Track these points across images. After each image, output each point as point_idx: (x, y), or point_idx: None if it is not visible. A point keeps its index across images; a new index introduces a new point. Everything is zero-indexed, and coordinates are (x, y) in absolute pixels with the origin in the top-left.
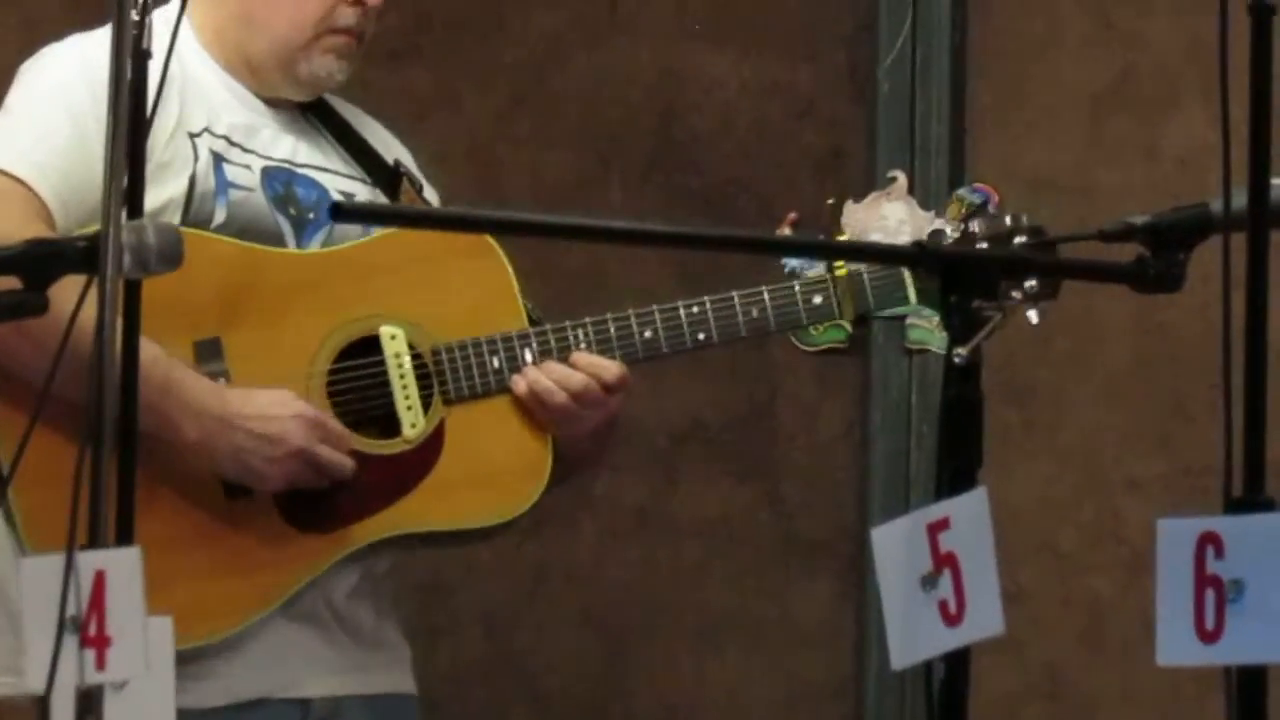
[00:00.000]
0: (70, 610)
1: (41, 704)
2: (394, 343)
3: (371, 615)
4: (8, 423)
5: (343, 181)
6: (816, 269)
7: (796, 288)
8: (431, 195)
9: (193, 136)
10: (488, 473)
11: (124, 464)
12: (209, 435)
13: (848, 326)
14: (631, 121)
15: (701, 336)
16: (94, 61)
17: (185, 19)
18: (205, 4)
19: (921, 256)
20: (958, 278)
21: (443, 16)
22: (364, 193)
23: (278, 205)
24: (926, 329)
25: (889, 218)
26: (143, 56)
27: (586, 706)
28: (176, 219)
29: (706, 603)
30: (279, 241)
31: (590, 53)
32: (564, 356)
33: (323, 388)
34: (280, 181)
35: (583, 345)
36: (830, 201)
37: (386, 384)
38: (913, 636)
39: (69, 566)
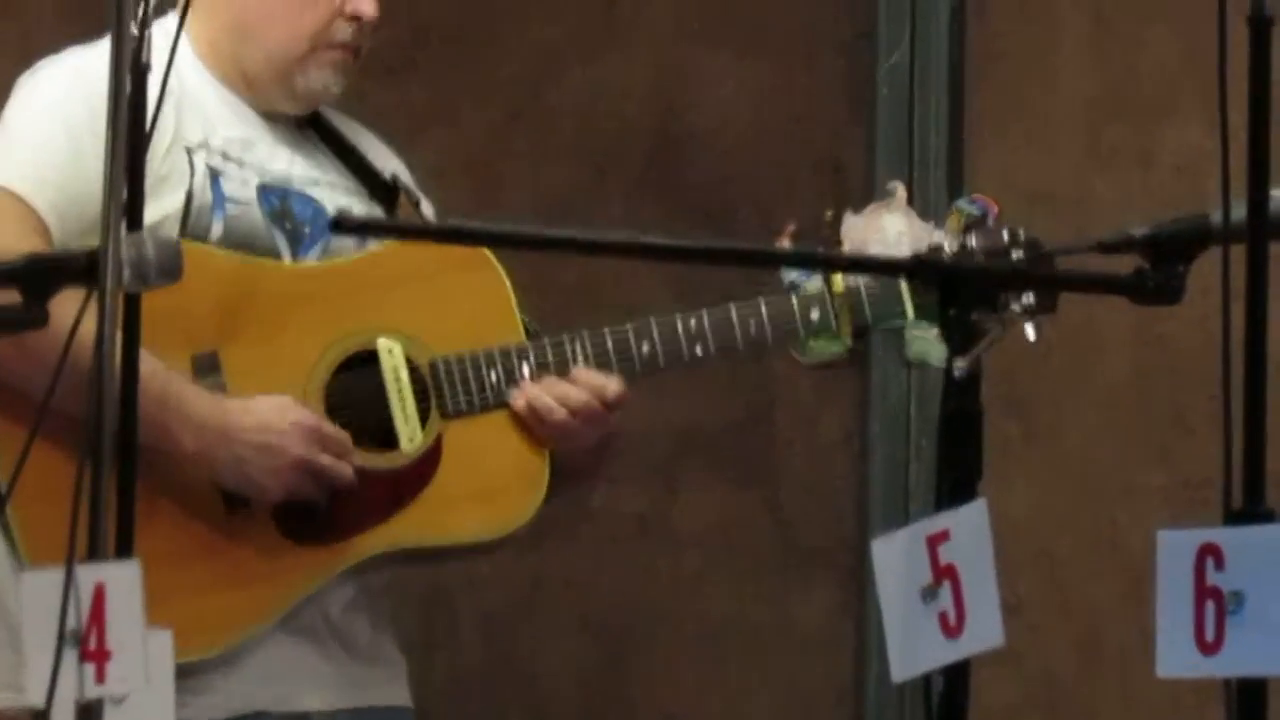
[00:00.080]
0: (70, 624)
1: (41, 718)
2: (392, 356)
3: (368, 629)
4: (5, 436)
5: (340, 195)
6: (815, 282)
7: (794, 301)
8: (428, 209)
9: (189, 151)
10: (485, 487)
11: (124, 477)
12: (208, 446)
13: (847, 340)
14: (628, 134)
15: (699, 350)
16: (90, 75)
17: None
18: (202, 17)
19: (921, 269)
20: (956, 291)
21: (439, 31)
22: (361, 207)
23: (274, 220)
24: (926, 341)
25: (888, 229)
26: (142, 70)
27: (586, 716)
28: (174, 234)
29: (706, 612)
30: (275, 256)
31: (586, 65)
32: (561, 370)
33: (320, 401)
34: (276, 197)
35: (580, 359)
36: (829, 216)
37: (384, 398)
38: (912, 648)
39: (69, 580)
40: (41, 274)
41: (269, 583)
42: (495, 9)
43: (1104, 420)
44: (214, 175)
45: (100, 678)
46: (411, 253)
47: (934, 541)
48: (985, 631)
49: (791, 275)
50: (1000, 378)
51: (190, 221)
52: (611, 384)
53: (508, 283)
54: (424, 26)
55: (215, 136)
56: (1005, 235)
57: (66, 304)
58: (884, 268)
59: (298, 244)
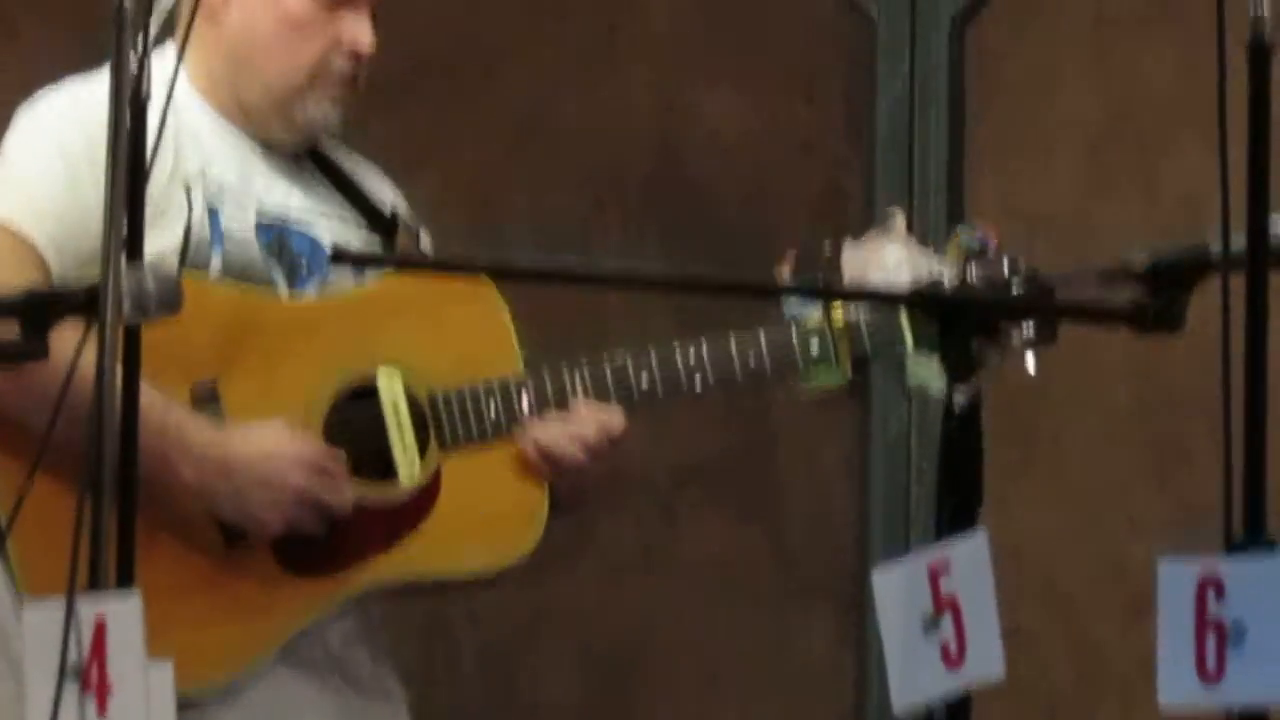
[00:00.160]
0: (71, 657)
1: None
2: (391, 388)
3: (368, 661)
4: (3, 469)
5: (338, 228)
6: (815, 314)
7: (793, 333)
8: (427, 241)
9: (187, 184)
10: (484, 519)
11: (124, 510)
12: (207, 478)
13: (846, 372)
14: (629, 163)
15: (698, 381)
16: (89, 107)
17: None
18: (200, 50)
19: (921, 300)
20: (956, 321)
21: (440, 60)
22: (359, 239)
23: (271, 254)
24: (926, 370)
25: (887, 256)
26: (142, 101)
27: None
28: (173, 267)
29: (707, 643)
30: (272, 290)
31: (587, 94)
32: (560, 401)
33: (319, 433)
34: (273, 231)
35: (579, 390)
36: (827, 247)
37: (383, 430)
38: (913, 679)
39: (69, 612)
40: (41, 307)
41: (268, 615)
42: (495, 40)
43: (1105, 449)
44: (212, 209)
45: (101, 710)
46: (411, 285)
47: (935, 572)
48: (986, 662)
49: (792, 305)
50: (1001, 406)
51: (189, 255)
52: (615, 418)
53: (507, 314)
54: (423, 57)
55: (213, 170)
56: (1005, 266)
57: (65, 337)
58: (884, 298)
59: (295, 278)
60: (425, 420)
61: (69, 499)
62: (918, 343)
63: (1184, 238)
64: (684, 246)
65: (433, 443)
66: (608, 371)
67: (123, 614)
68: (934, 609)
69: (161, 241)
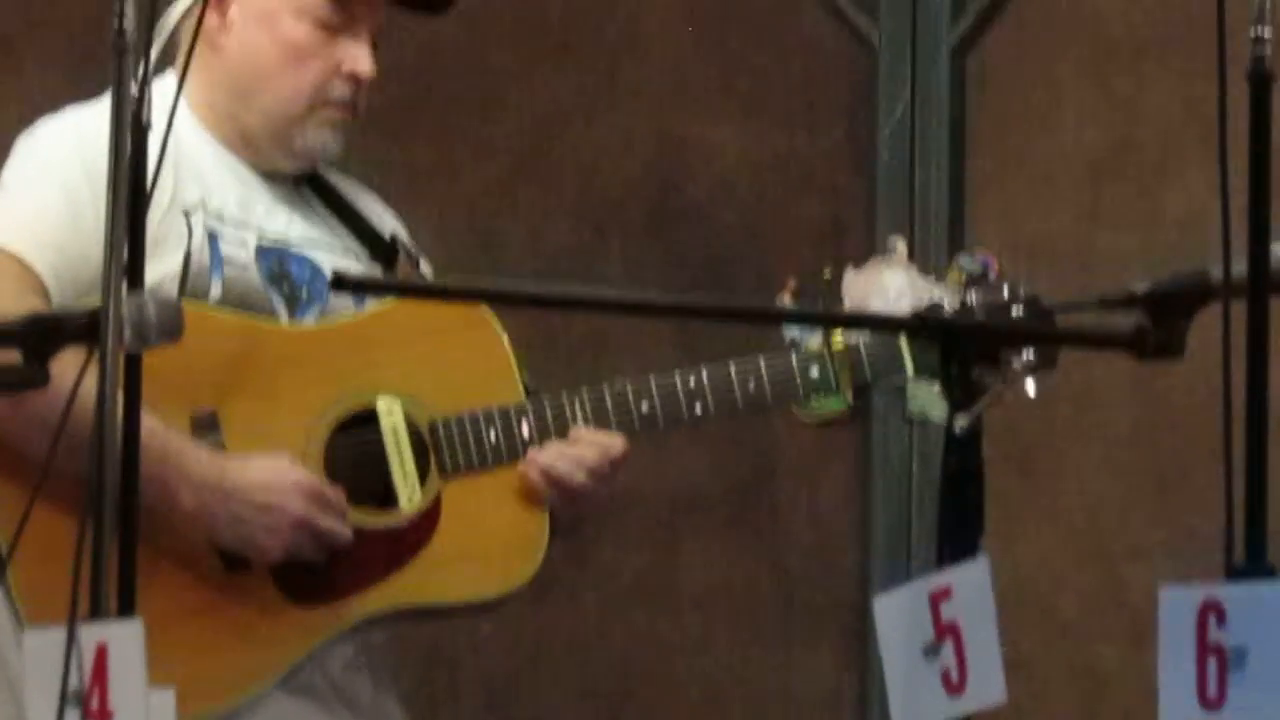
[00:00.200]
0: (72, 684)
1: None
2: (391, 416)
3: (369, 687)
4: (4, 497)
5: (337, 256)
6: (816, 338)
7: (793, 360)
8: (427, 269)
9: (187, 212)
10: (484, 546)
11: (125, 537)
12: (207, 505)
13: (848, 398)
14: (630, 191)
15: (698, 409)
16: (89, 135)
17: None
18: (199, 78)
19: (922, 326)
20: (958, 348)
21: (442, 88)
22: (359, 267)
23: (271, 282)
24: (927, 398)
25: (888, 285)
26: (142, 128)
27: None
28: (173, 295)
29: (708, 672)
30: (272, 318)
31: (589, 123)
32: (560, 428)
33: (320, 460)
34: (274, 258)
35: (579, 418)
36: (827, 277)
37: (383, 457)
38: (915, 706)
39: (71, 639)
40: (42, 334)
41: (269, 642)
42: (496, 67)
43: (1106, 475)
44: (212, 236)
45: None
46: (411, 312)
47: (936, 599)
48: (988, 688)
49: (792, 332)
50: (1002, 434)
51: (189, 283)
52: (616, 442)
53: (507, 341)
54: (426, 83)
55: (213, 197)
56: (1006, 291)
57: (64, 365)
58: (884, 324)
59: (295, 305)
60: (425, 447)
61: (70, 526)
62: (918, 369)
63: (1185, 265)
64: (684, 275)
65: (433, 469)
66: (608, 399)
67: (124, 641)
68: (935, 635)
69: (161, 269)
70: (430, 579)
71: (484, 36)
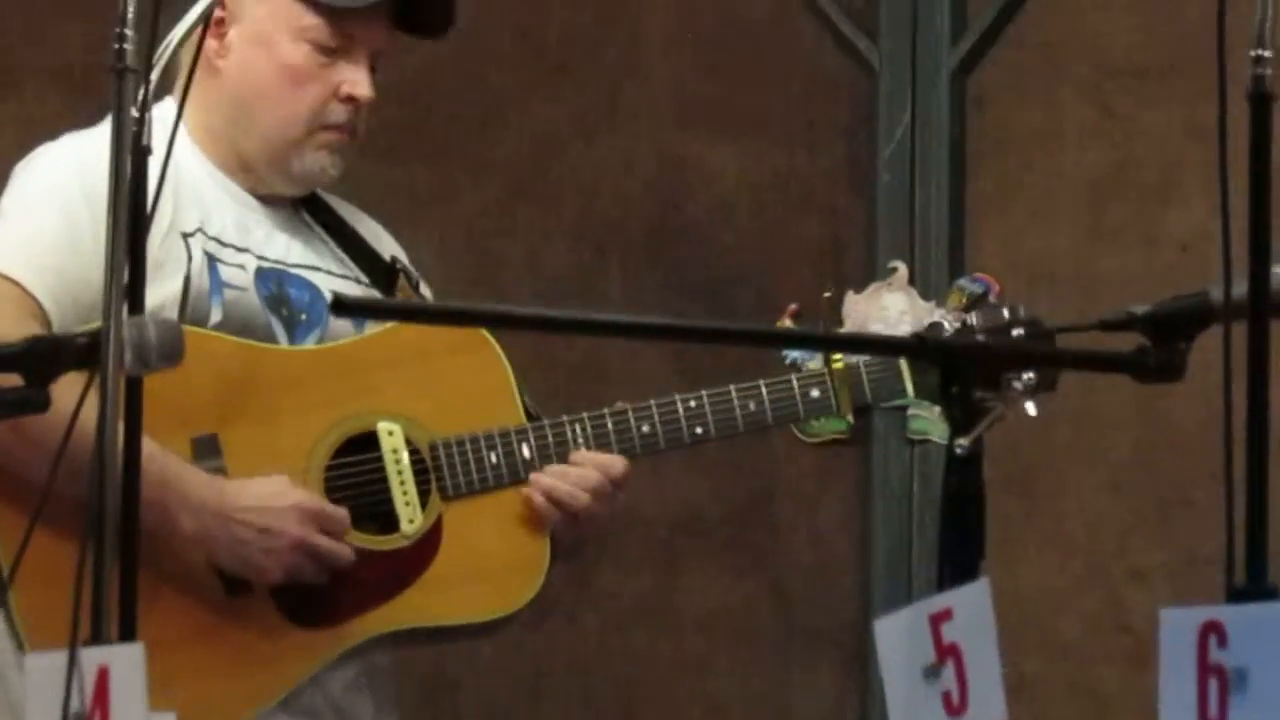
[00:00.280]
0: (74, 708)
1: None
2: (391, 439)
3: (371, 709)
4: (3, 522)
5: (336, 281)
6: (816, 361)
7: (794, 381)
8: (427, 292)
9: (186, 237)
10: (486, 568)
11: (126, 560)
12: (207, 528)
13: (849, 419)
14: (630, 212)
15: (699, 431)
16: (88, 160)
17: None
18: (198, 102)
19: (922, 348)
20: (958, 369)
21: (441, 110)
22: (358, 292)
23: (270, 306)
24: (928, 419)
25: (889, 308)
26: (143, 152)
27: None
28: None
29: (709, 695)
30: (272, 342)
31: (588, 144)
32: (561, 451)
33: (320, 484)
34: (273, 281)
35: (580, 441)
36: (827, 295)
37: (384, 480)
38: None
39: (72, 663)
40: (43, 358)
41: (270, 665)
42: (495, 89)
43: (1107, 497)
44: (211, 261)
45: None
46: (410, 335)
47: (936, 620)
48: (988, 710)
49: (793, 355)
50: (1002, 455)
51: (188, 308)
52: (618, 463)
53: (507, 364)
54: (425, 105)
55: (211, 222)
56: (1006, 313)
57: (64, 389)
58: (885, 347)
59: (294, 329)
60: (426, 469)
61: (71, 550)
62: (919, 391)
63: (1185, 286)
64: (684, 296)
65: (434, 492)
66: (608, 420)
67: (125, 665)
68: (936, 657)
69: (161, 293)
70: (431, 601)
71: (483, 58)
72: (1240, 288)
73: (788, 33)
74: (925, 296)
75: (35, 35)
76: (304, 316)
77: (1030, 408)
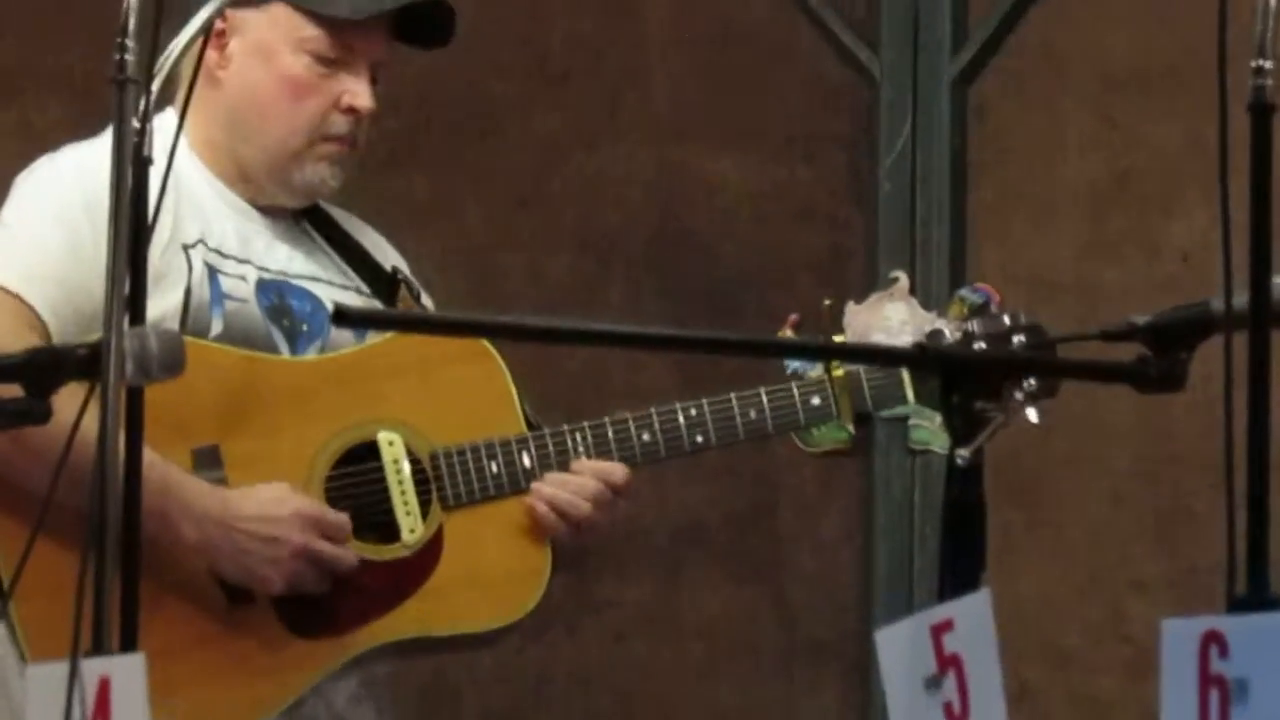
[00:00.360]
0: (75, 718)
1: None
2: (392, 448)
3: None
4: (4, 533)
5: (337, 292)
6: (817, 370)
7: (794, 389)
8: (428, 302)
9: (186, 248)
10: (487, 577)
11: (127, 571)
12: (209, 537)
13: (849, 428)
14: (631, 222)
15: (700, 439)
16: (88, 172)
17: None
18: (199, 114)
19: (923, 358)
20: (959, 379)
21: (441, 121)
22: (359, 303)
23: (271, 317)
24: (929, 429)
25: (890, 318)
26: (144, 163)
27: None
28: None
29: (711, 704)
30: (273, 352)
31: (589, 155)
32: (562, 461)
33: (321, 494)
34: (274, 293)
35: (581, 450)
36: (828, 303)
37: (385, 490)
38: None
39: (73, 674)
40: (44, 368)
41: (272, 675)
42: (496, 99)
43: (1107, 507)
44: (212, 273)
45: None
46: (411, 345)
47: (938, 631)
48: None
49: (794, 365)
50: (1004, 466)
51: (189, 319)
52: (618, 469)
53: (507, 374)
54: (426, 116)
55: (212, 234)
56: (1007, 320)
57: (65, 401)
58: (886, 357)
59: (295, 340)
60: (427, 479)
61: (73, 561)
62: (920, 397)
63: (1186, 297)
64: (685, 306)
65: (435, 501)
66: (609, 429)
67: (126, 675)
68: (937, 668)
69: (162, 305)
70: (433, 610)
71: (483, 69)
72: (1241, 298)
73: (789, 43)
74: (926, 306)
75: (37, 45)
76: (305, 327)
77: (1032, 414)
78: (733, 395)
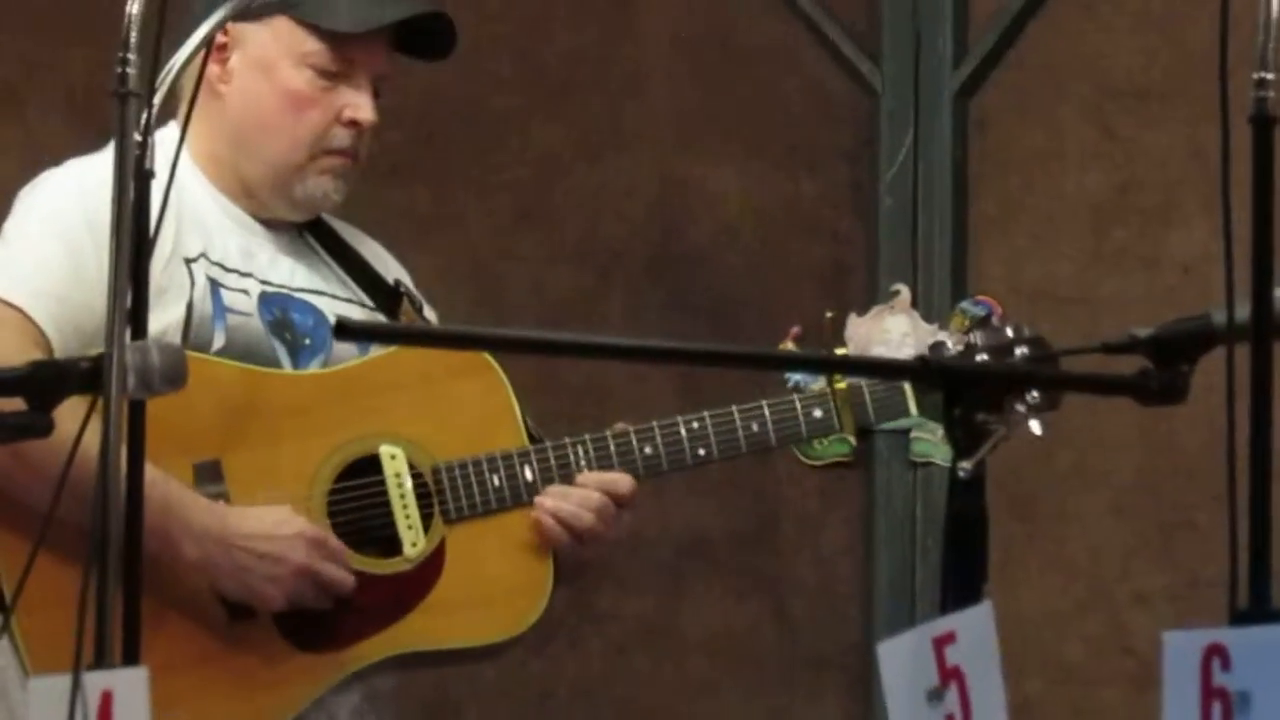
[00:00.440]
0: None
1: None
2: (394, 462)
3: None
4: (5, 547)
5: (340, 305)
6: (819, 382)
7: (796, 402)
8: (431, 315)
9: (189, 262)
10: (489, 591)
11: (129, 585)
12: (209, 555)
13: (851, 440)
14: (632, 235)
15: (702, 452)
16: (91, 186)
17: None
18: (201, 127)
19: (925, 371)
20: (962, 391)
21: (443, 134)
22: (361, 316)
23: (273, 330)
24: (931, 442)
25: (892, 331)
26: (146, 177)
27: None
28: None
29: (713, 717)
30: (275, 366)
31: (591, 168)
32: (564, 474)
33: (323, 508)
34: (276, 306)
35: (583, 463)
36: (830, 315)
37: (387, 503)
38: None
39: (76, 688)
40: (46, 382)
41: (274, 690)
42: (497, 112)
43: (1109, 520)
44: (214, 286)
45: None
46: (413, 358)
47: (940, 643)
48: None
49: (795, 378)
50: (1005, 478)
51: (191, 333)
52: (622, 480)
53: (509, 387)
54: (428, 129)
55: (215, 248)
56: (1010, 332)
57: (66, 415)
58: (889, 370)
59: (298, 354)
60: (429, 492)
61: (75, 575)
62: (922, 409)
63: (1188, 309)
64: (687, 319)
65: (437, 515)
66: (611, 442)
67: (129, 689)
68: (939, 680)
69: (164, 319)
70: (435, 624)
71: (485, 81)
72: (1243, 310)
73: (790, 55)
74: (928, 319)
75: (39, 59)
76: (308, 341)
77: (1035, 427)
78: (735, 408)
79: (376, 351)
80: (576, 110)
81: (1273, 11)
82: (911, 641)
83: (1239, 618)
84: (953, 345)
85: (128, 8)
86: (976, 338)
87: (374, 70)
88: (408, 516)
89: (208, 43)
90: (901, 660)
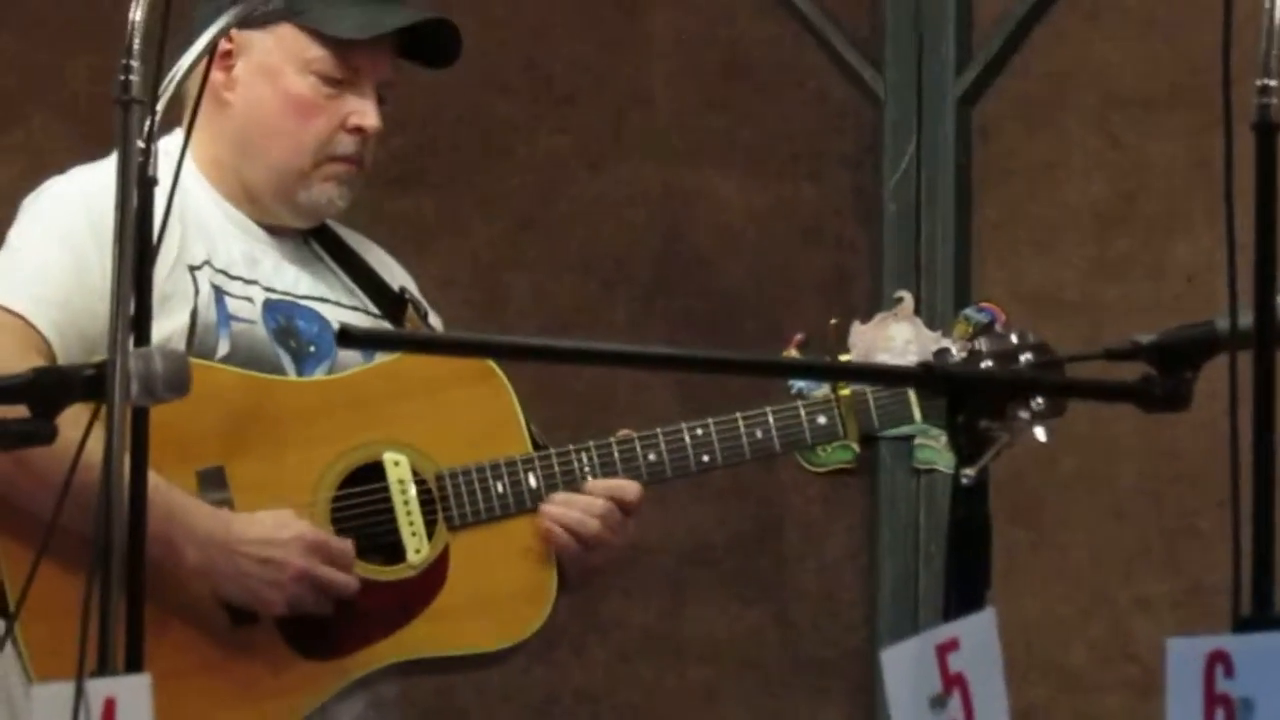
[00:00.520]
0: None
1: None
2: (397, 469)
3: None
4: (10, 553)
5: (344, 312)
6: (822, 389)
7: (800, 408)
8: (436, 322)
9: (193, 269)
10: (492, 598)
11: (132, 592)
12: (212, 560)
13: (855, 446)
14: (636, 243)
15: (706, 459)
16: (94, 194)
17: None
18: (205, 134)
19: (928, 377)
20: (965, 398)
21: (447, 141)
22: (366, 323)
23: (278, 338)
24: (934, 448)
25: (895, 338)
26: (149, 184)
27: None
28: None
29: None
30: (280, 374)
31: (594, 175)
32: (568, 481)
33: (327, 515)
34: (281, 314)
35: (587, 470)
36: (833, 322)
37: (390, 510)
38: None
39: (79, 695)
40: (49, 389)
41: (277, 697)
42: (503, 120)
43: (1112, 526)
44: (218, 294)
45: None
46: (417, 365)
47: (943, 650)
48: None
49: (799, 385)
50: (1008, 485)
51: (195, 340)
52: (630, 487)
53: (513, 394)
54: (432, 137)
55: (219, 254)
56: (1015, 339)
57: (69, 422)
58: (892, 377)
59: (302, 361)
60: (433, 499)
61: (78, 582)
62: (926, 415)
63: (1191, 316)
64: (690, 327)
65: (440, 522)
66: (615, 449)
67: (132, 696)
68: (943, 687)
69: (168, 326)
70: (438, 631)
71: (489, 89)
72: (1246, 317)
73: (793, 62)
74: (931, 326)
75: (42, 67)
76: (312, 348)
77: (1040, 433)
78: (738, 415)
79: (381, 358)
80: (580, 118)
81: (1276, 19)
82: (915, 648)
83: (1242, 624)
84: (956, 352)
85: (130, 15)
86: (980, 344)
87: (378, 77)
88: (411, 523)
89: (212, 49)
90: (905, 667)
